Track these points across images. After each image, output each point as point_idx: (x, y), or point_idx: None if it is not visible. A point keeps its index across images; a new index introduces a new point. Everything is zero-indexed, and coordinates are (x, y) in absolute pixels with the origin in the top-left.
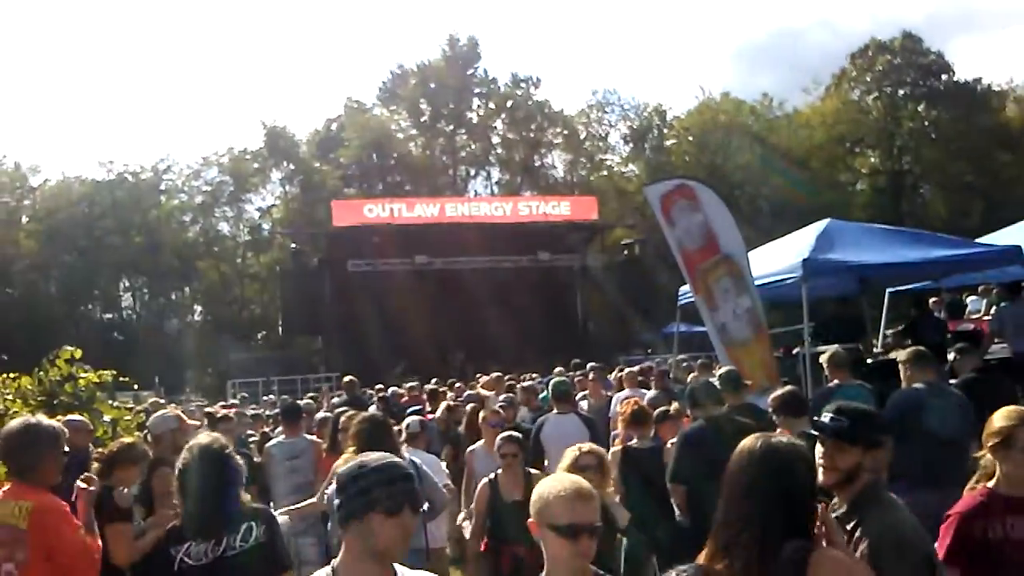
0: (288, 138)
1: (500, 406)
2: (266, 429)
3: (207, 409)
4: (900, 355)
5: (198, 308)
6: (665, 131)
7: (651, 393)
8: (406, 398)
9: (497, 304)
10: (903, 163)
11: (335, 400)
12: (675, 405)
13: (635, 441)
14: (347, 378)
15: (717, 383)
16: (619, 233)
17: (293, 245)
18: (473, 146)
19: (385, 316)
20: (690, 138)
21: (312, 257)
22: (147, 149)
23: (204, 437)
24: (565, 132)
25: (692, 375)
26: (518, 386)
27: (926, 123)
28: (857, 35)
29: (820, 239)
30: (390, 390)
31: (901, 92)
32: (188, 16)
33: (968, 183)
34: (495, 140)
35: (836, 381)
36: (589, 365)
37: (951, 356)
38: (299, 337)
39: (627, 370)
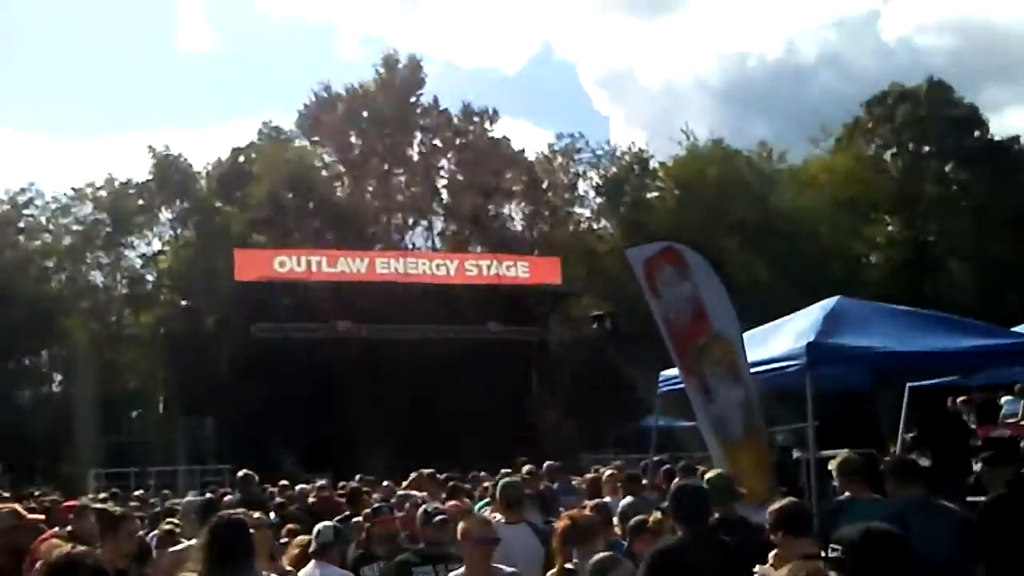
0: (184, 169)
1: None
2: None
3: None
4: (886, 466)
5: (57, 376)
6: (647, 182)
7: (626, 500)
8: (314, 498)
9: (436, 385)
10: (926, 233)
11: (228, 499)
12: (655, 515)
13: (575, 561)
14: (242, 472)
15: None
16: (587, 302)
17: (184, 302)
18: (413, 190)
19: (296, 395)
20: (676, 192)
21: (207, 318)
22: (3, 175)
23: (68, 552)
24: (525, 178)
25: (674, 480)
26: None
27: (954, 186)
28: (872, 78)
29: (827, 320)
30: (297, 488)
31: (925, 148)
32: (64, 8)
33: (1003, 260)
34: (440, 183)
35: (848, 493)
36: (546, 464)
37: (978, 467)
38: (185, 418)
39: (606, 472)
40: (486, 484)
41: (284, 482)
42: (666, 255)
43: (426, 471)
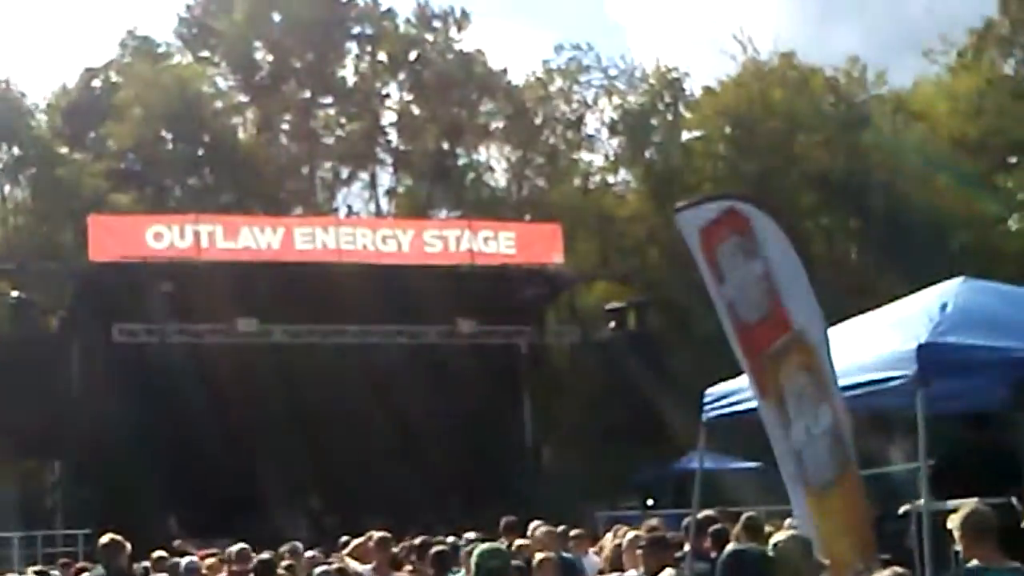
0: (12, 102)
1: None
2: None
3: None
4: (952, 519)
5: None
6: (683, 115)
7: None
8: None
9: (383, 410)
10: None
11: None
12: None
13: None
14: (105, 539)
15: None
16: (601, 291)
17: (15, 293)
18: (347, 128)
19: (181, 428)
20: (726, 129)
21: (48, 316)
22: None
23: None
24: (509, 111)
25: (730, 545)
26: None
27: None
28: None
29: (947, 311)
30: (183, 562)
31: None
32: None
33: None
34: (387, 119)
35: (975, 561)
36: (534, 524)
37: None
38: (19, 463)
39: (627, 534)
40: (458, 550)
41: (161, 553)
42: (729, 219)
43: (376, 534)
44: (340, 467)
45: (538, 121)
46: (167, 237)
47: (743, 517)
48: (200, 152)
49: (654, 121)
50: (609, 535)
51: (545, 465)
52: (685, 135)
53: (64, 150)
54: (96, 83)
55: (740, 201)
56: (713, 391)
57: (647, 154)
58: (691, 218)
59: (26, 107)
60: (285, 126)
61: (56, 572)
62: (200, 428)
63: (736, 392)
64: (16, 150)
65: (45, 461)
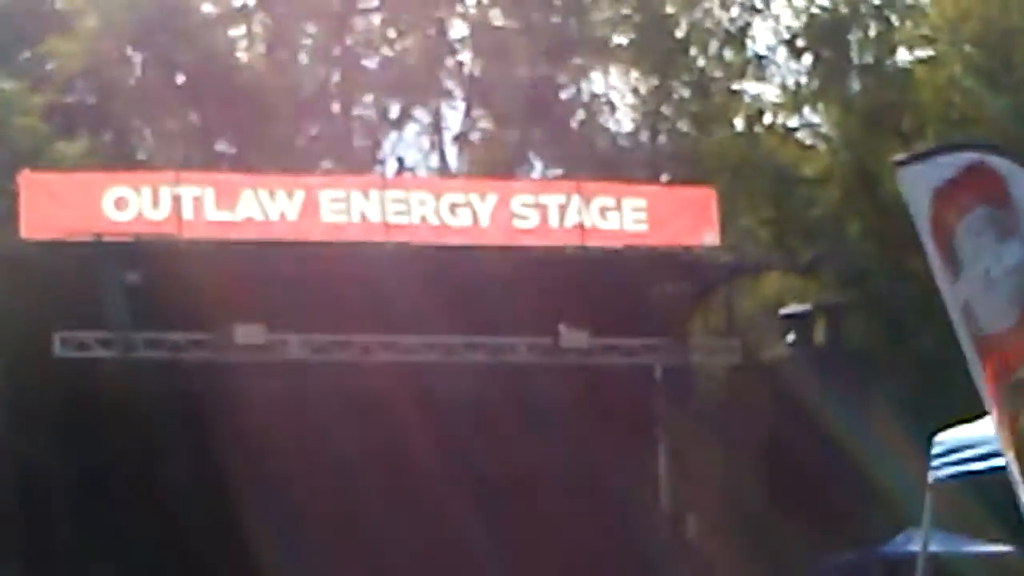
0: None
1: None
2: None
3: None
4: None
5: None
6: (899, 22)
7: None
8: None
9: (449, 463)
10: None
11: None
12: None
13: None
14: None
15: None
16: (776, 287)
17: None
18: (401, 44)
19: (144, 485)
20: (966, 45)
21: None
22: None
23: None
24: (639, 19)
25: None
26: None
27: None
28: None
29: None
30: None
31: None
32: None
33: None
34: (459, 30)
35: None
36: None
37: None
38: None
39: None
40: None
41: None
42: (976, 181)
43: None
44: (386, 547)
45: (680, 34)
46: (133, 204)
47: None
48: (182, 80)
49: (855, 34)
50: None
51: (690, 542)
52: (902, 54)
53: None
54: None
55: (993, 153)
56: (945, 439)
57: (845, 84)
58: (921, 177)
59: None
60: (307, 41)
61: None
62: (177, 488)
63: (979, 442)
64: None
65: None
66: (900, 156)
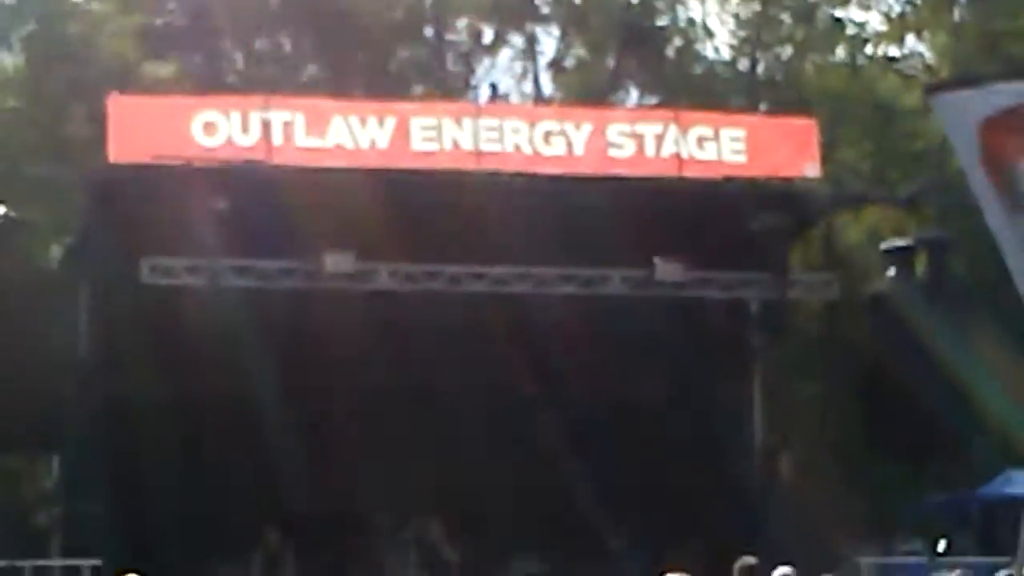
0: None
1: None
2: None
3: None
4: None
5: None
6: None
7: None
8: None
9: (541, 393)
10: None
11: None
12: None
13: None
14: None
15: None
16: (877, 220)
17: (1, 209)
18: None
19: (232, 411)
20: None
21: (49, 243)
22: None
23: None
24: None
25: None
26: None
27: None
28: None
29: None
30: None
31: None
32: None
33: None
34: None
35: None
36: (779, 573)
37: None
38: (7, 456)
39: None
40: None
41: None
42: None
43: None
44: (473, 475)
45: None
46: (223, 129)
47: None
48: (273, 1)
49: None
50: None
51: (784, 480)
52: None
53: None
54: None
55: None
56: None
57: (953, 12)
58: (965, 104)
59: None
60: None
61: None
62: (264, 413)
63: None
64: None
65: (38, 456)
66: (936, 81)
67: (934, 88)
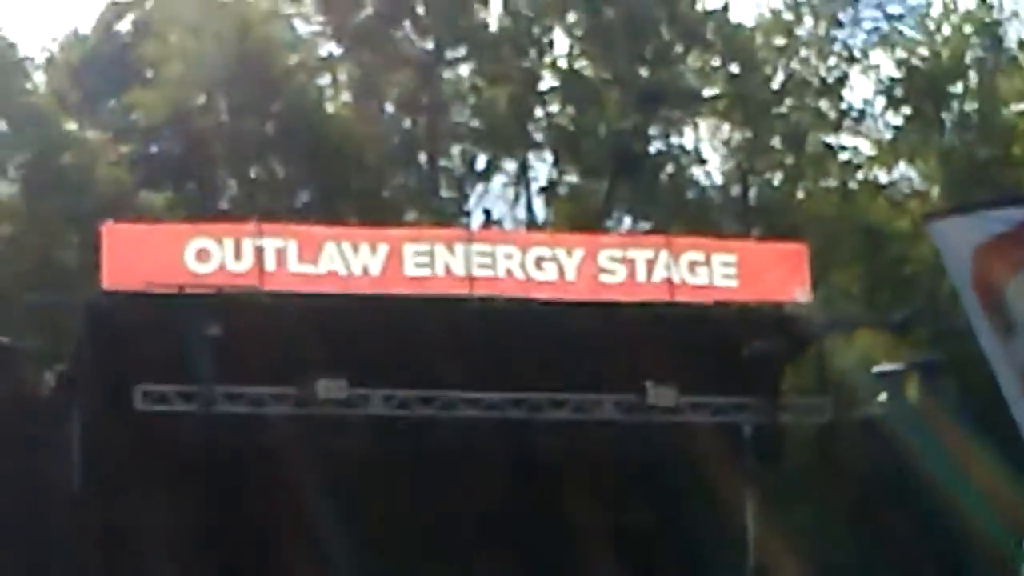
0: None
1: None
2: None
3: None
4: None
5: None
6: (1002, 75)
7: None
8: None
9: (534, 521)
10: None
11: None
12: None
13: None
14: None
15: None
16: (869, 345)
17: None
18: (489, 94)
19: (228, 540)
20: None
21: (43, 369)
22: None
23: None
24: (731, 69)
25: None
26: None
27: None
28: None
29: None
30: None
31: None
32: None
33: None
34: (547, 81)
35: None
36: None
37: None
38: None
39: None
40: None
41: None
42: None
43: None
44: None
45: (775, 85)
46: (216, 256)
47: None
48: (268, 129)
49: (957, 86)
50: None
51: None
52: (1005, 109)
53: (71, 126)
54: (121, 27)
55: None
56: None
57: (943, 137)
58: (963, 231)
59: (18, 62)
60: (394, 91)
61: None
62: (258, 543)
63: None
64: (2, 124)
65: None
66: (934, 210)
67: (930, 216)
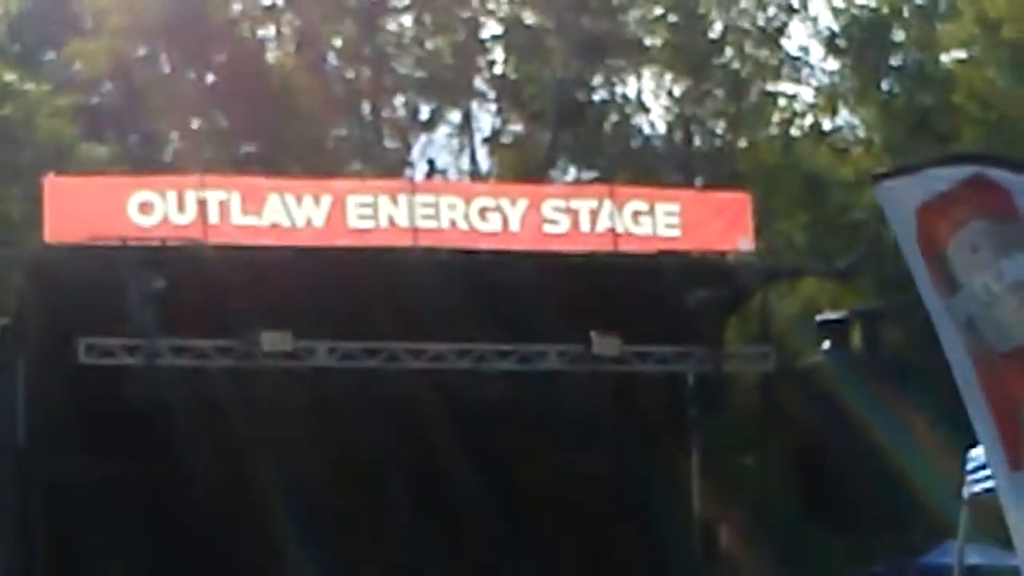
0: None
1: None
2: None
3: None
4: None
5: None
6: (941, 22)
7: None
8: None
9: (478, 473)
10: None
11: None
12: None
13: None
14: None
15: None
16: (811, 293)
17: None
18: (432, 44)
19: (170, 492)
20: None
21: None
22: None
23: None
24: (673, 19)
25: None
26: None
27: None
28: None
29: None
30: None
31: None
32: None
33: None
34: (490, 29)
35: None
36: None
37: None
38: None
39: None
40: None
41: None
42: (973, 193)
43: None
44: (408, 555)
45: (715, 34)
46: (159, 208)
47: None
48: (210, 80)
49: (897, 34)
50: None
51: (723, 553)
52: (945, 57)
53: (11, 77)
54: None
55: (994, 166)
56: (979, 453)
57: (884, 85)
58: (907, 190)
59: None
60: (337, 42)
61: None
62: (201, 497)
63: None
64: None
65: None
66: (880, 170)
67: (877, 176)
